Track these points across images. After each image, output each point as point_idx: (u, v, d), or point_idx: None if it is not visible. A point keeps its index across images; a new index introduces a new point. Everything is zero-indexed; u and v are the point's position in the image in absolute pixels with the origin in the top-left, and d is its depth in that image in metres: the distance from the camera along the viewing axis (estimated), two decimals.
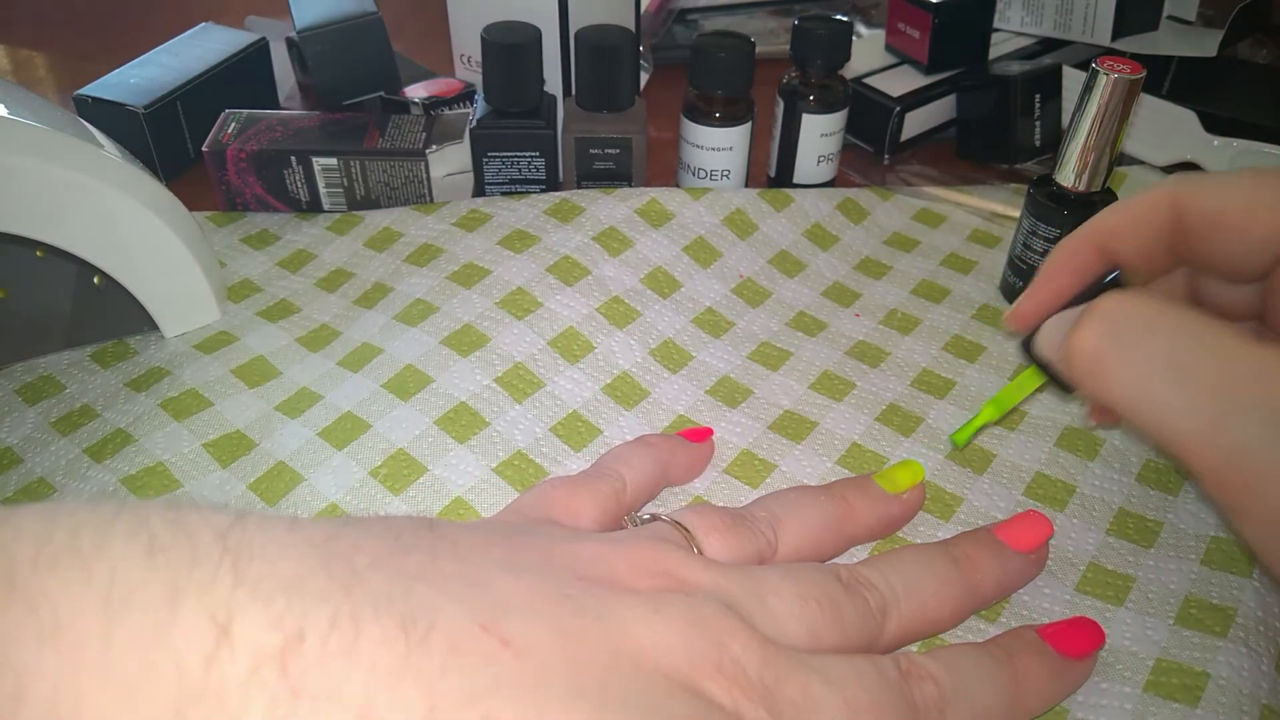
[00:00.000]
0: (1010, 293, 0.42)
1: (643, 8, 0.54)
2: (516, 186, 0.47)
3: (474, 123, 0.46)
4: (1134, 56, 0.48)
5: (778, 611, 0.23)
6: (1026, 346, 0.31)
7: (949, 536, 0.32)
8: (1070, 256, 0.31)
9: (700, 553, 0.26)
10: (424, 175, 0.47)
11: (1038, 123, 0.52)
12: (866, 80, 0.54)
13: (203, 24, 0.58)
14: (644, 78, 0.61)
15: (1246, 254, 0.28)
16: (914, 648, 0.28)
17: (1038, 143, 0.53)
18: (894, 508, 0.31)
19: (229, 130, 0.47)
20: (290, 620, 0.17)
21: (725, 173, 0.47)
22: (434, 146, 0.47)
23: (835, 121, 0.47)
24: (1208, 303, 0.31)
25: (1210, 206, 0.28)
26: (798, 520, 0.29)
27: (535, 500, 0.28)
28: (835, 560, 0.31)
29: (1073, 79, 0.53)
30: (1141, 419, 0.25)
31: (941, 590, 0.27)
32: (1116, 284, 0.29)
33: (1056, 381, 0.30)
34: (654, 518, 0.28)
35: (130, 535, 0.17)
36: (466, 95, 0.53)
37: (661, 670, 0.20)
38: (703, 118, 0.46)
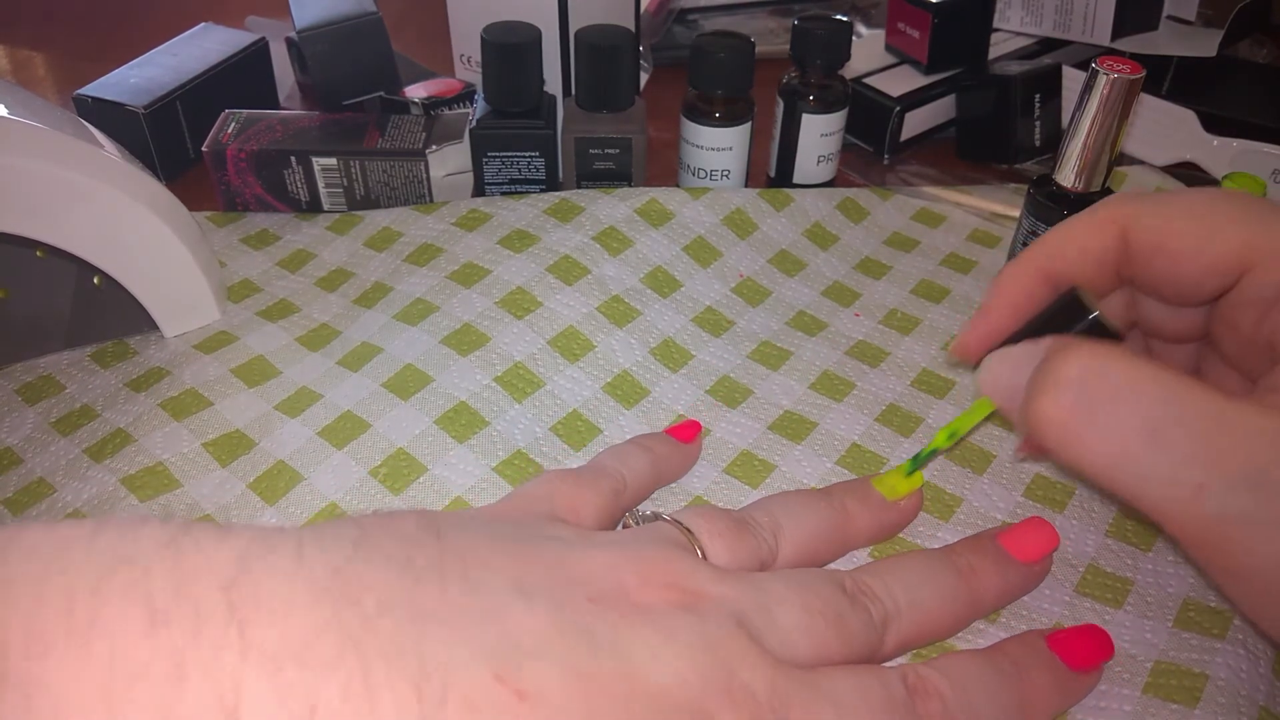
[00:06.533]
0: None
1: (643, 8, 0.54)
2: (516, 186, 0.47)
3: (474, 123, 0.46)
4: (1134, 56, 0.48)
5: (784, 625, 0.23)
6: None
7: (950, 539, 0.32)
8: (1015, 282, 0.30)
9: (704, 557, 0.26)
10: (424, 175, 0.47)
11: (1038, 123, 0.52)
12: (866, 80, 0.54)
13: (203, 24, 0.58)
14: (644, 78, 0.61)
15: (1195, 280, 0.27)
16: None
17: (1038, 143, 0.53)
18: (891, 515, 0.31)
19: (229, 130, 0.47)
20: (300, 693, 0.17)
21: (725, 173, 0.47)
22: (434, 146, 0.47)
23: (835, 121, 0.47)
24: (1149, 323, 0.31)
25: (1159, 231, 0.28)
26: (798, 527, 0.29)
27: (540, 493, 0.28)
28: (837, 564, 0.31)
29: (1073, 79, 0.53)
30: (1117, 487, 0.24)
31: (944, 601, 0.27)
32: (1077, 306, 0.28)
33: None
34: (656, 517, 0.27)
35: (127, 597, 0.16)
36: (466, 95, 0.53)
37: (675, 704, 0.20)
38: (703, 118, 0.46)
